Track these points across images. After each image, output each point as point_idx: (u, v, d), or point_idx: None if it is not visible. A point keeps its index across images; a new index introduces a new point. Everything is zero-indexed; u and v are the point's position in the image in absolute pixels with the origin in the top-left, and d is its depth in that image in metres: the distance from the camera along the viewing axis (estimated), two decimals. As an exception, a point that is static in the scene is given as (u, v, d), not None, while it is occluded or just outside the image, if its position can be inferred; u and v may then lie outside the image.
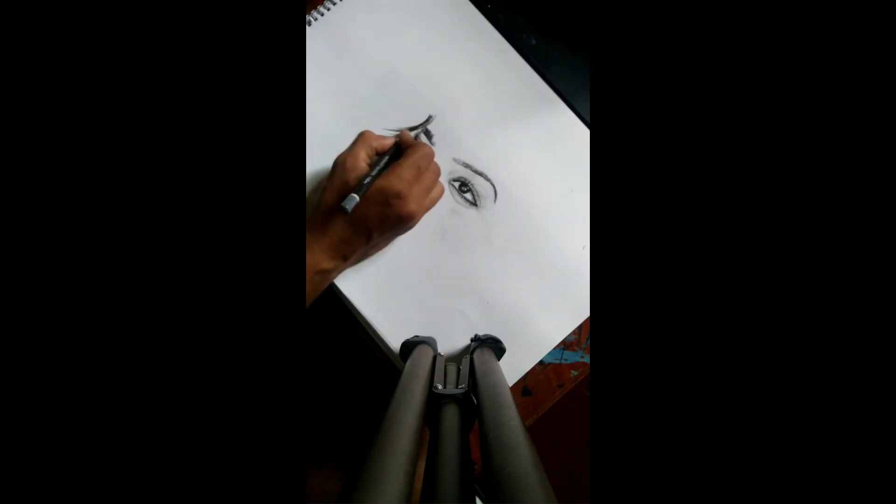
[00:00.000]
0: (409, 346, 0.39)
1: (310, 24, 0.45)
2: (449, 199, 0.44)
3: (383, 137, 0.41)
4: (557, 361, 0.44)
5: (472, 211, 0.44)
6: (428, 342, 0.39)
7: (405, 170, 0.37)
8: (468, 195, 0.44)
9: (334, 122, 0.44)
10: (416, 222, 0.39)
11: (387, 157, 0.39)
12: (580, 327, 0.43)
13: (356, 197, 0.34)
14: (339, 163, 0.38)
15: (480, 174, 0.44)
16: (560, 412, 0.49)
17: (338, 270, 0.39)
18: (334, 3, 0.45)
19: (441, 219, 0.43)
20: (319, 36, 0.45)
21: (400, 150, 0.40)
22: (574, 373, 0.44)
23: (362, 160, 0.38)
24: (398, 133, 0.41)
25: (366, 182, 0.36)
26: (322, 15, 0.45)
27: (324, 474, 0.46)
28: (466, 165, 0.44)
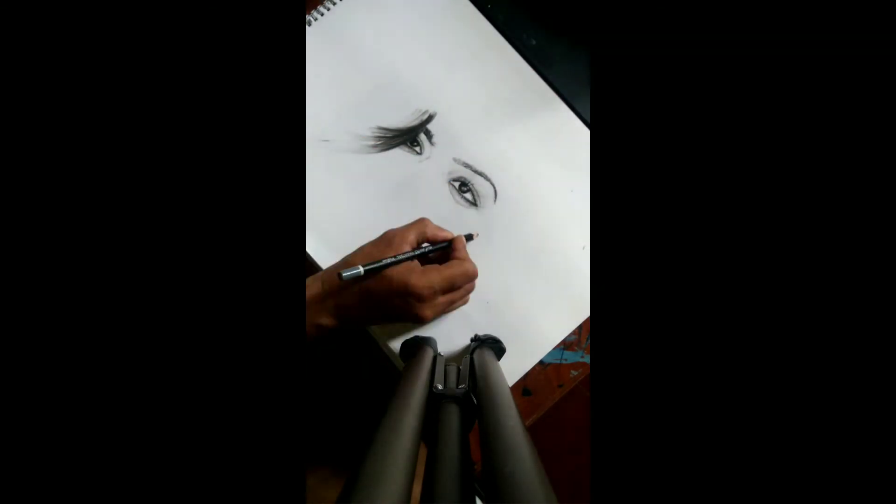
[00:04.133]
0: (409, 346, 0.39)
1: (310, 24, 0.45)
2: (449, 199, 0.44)
3: (441, 230, 0.39)
4: (557, 361, 0.44)
5: (472, 211, 0.44)
6: (428, 342, 0.39)
7: (440, 280, 0.36)
8: (468, 195, 0.44)
9: (334, 122, 0.44)
10: (424, 324, 0.39)
11: (427, 249, 0.38)
12: (580, 327, 0.43)
13: (360, 270, 0.34)
14: (389, 236, 0.37)
15: (480, 174, 0.44)
16: (560, 412, 0.49)
17: (333, 329, 0.38)
18: (334, 3, 0.45)
19: (441, 219, 0.43)
20: (319, 36, 0.45)
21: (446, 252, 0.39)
22: (574, 373, 0.44)
23: (409, 243, 0.37)
24: (456, 238, 0.40)
25: (381, 263, 0.35)
26: (322, 15, 0.45)
27: (323, 475, 0.46)
28: (466, 165, 0.44)
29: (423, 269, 0.36)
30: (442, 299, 0.37)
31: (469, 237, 0.42)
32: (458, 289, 0.38)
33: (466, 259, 0.38)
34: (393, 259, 0.35)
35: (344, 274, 0.33)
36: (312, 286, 0.37)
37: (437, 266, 0.37)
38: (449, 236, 0.40)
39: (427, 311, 0.36)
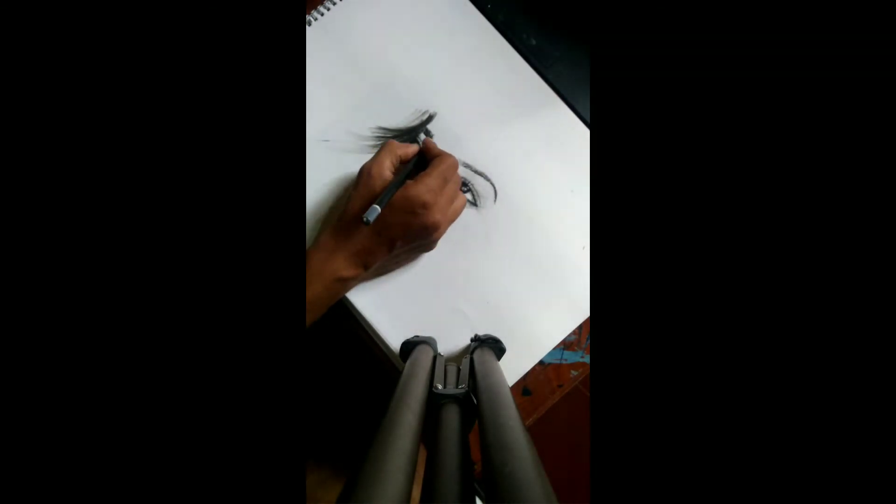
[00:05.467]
0: (409, 346, 0.39)
1: (310, 24, 0.45)
2: (449, 199, 0.44)
3: (407, 146, 0.40)
4: (557, 361, 0.44)
5: (472, 211, 0.44)
6: (428, 342, 0.39)
7: (433, 179, 0.36)
8: (468, 195, 0.44)
9: (334, 123, 0.44)
10: (440, 234, 0.39)
11: (410, 166, 0.39)
12: (580, 327, 0.43)
13: (378, 208, 0.34)
14: (365, 171, 0.38)
15: (480, 174, 0.44)
16: (560, 412, 0.49)
17: (358, 279, 0.39)
18: (334, 3, 0.45)
19: (441, 219, 0.43)
20: (319, 36, 0.45)
21: (423, 159, 0.40)
22: (574, 373, 0.44)
23: (387, 168, 0.38)
24: (422, 141, 0.41)
25: (387, 192, 0.35)
26: (322, 15, 0.45)
27: (322, 476, 0.46)
28: (466, 165, 0.44)
29: (414, 180, 0.37)
30: (442, 200, 0.37)
31: (428, 134, 0.44)
32: (450, 182, 0.38)
33: (443, 153, 0.39)
34: (397, 181, 0.37)
35: (368, 218, 0.33)
36: (323, 241, 0.37)
37: (424, 172, 0.38)
38: (416, 148, 0.41)
39: (437, 215, 0.37)
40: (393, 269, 0.42)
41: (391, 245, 0.37)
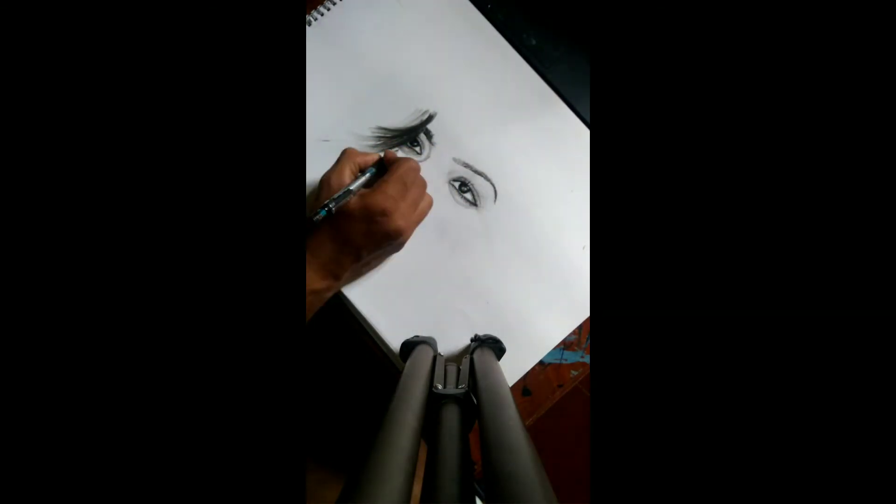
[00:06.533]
0: (409, 346, 0.39)
1: (310, 24, 0.45)
2: (449, 199, 0.44)
3: (367, 154, 0.40)
4: (557, 361, 0.44)
5: (472, 211, 0.44)
6: (428, 342, 0.39)
7: (390, 185, 0.36)
8: (468, 195, 0.44)
9: (334, 123, 0.44)
10: (405, 238, 0.39)
11: (368, 173, 0.39)
12: (580, 327, 0.43)
13: (321, 213, 0.34)
14: (325, 181, 0.37)
15: (480, 174, 0.44)
16: (560, 412, 0.49)
17: (331, 290, 0.39)
18: (334, 3, 0.45)
19: (441, 219, 0.43)
20: (319, 36, 0.45)
21: (384, 166, 0.40)
22: (574, 373, 0.44)
23: (347, 176, 0.37)
24: (383, 152, 0.41)
25: (337, 196, 0.35)
26: (322, 15, 0.45)
27: (322, 475, 0.46)
28: (466, 165, 0.44)
29: (373, 188, 0.37)
30: (403, 205, 0.37)
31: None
32: (412, 187, 0.38)
33: (402, 158, 0.39)
34: (347, 189, 0.36)
35: (315, 218, 0.33)
36: None
37: (382, 179, 0.37)
38: (376, 156, 0.40)
39: (399, 222, 0.37)
40: (366, 273, 0.42)
41: (357, 255, 0.37)
